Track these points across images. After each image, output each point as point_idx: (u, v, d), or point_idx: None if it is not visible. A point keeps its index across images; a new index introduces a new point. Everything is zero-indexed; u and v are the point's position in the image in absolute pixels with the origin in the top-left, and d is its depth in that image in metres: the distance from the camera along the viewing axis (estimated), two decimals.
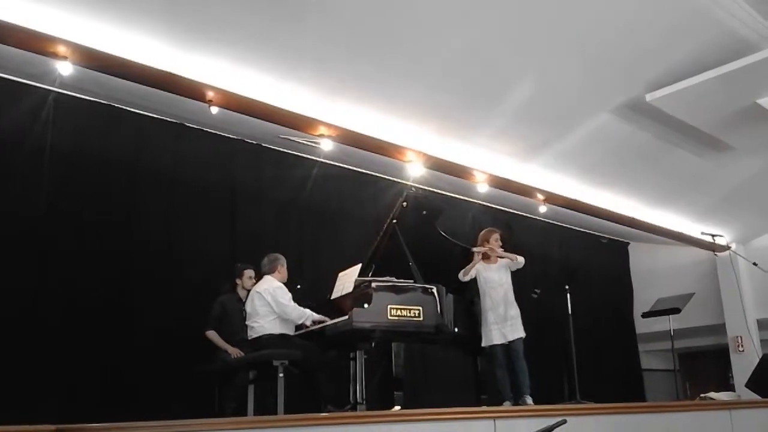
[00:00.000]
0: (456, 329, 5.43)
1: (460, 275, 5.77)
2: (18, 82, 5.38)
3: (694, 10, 5.12)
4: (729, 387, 9.43)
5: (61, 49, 4.63)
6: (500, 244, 5.89)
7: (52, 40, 4.55)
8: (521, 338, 5.67)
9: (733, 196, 8.67)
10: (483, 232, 6.04)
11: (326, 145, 6.16)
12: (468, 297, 5.81)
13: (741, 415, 5.65)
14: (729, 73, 5.54)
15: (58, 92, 5.49)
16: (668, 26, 5.30)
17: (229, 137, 6.65)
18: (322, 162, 7.03)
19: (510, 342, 5.63)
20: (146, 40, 4.84)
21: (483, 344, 5.69)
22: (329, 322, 5.23)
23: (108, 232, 5.77)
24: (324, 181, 7.22)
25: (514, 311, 5.72)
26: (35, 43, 4.57)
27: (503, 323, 5.64)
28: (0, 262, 5.07)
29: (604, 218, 9.00)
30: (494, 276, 5.79)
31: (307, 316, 5.28)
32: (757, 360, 7.75)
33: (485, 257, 5.83)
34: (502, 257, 5.82)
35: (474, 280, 5.81)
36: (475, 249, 5.80)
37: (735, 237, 9.95)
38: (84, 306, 5.43)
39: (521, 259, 5.85)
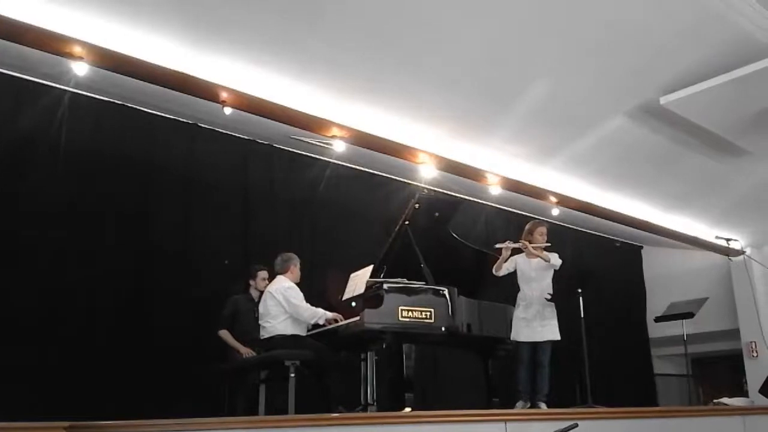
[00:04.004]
0: (470, 330, 5.41)
1: (493, 270, 5.64)
2: (34, 82, 5.42)
3: (709, 13, 5.08)
4: (742, 393, 9.34)
5: (77, 50, 4.67)
6: (545, 239, 5.67)
7: (68, 40, 4.58)
8: (550, 342, 5.53)
9: (749, 200, 8.59)
10: (529, 223, 5.84)
11: (338, 146, 6.17)
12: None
13: (754, 421, 5.61)
14: (744, 76, 5.48)
15: (74, 92, 5.53)
16: (683, 29, 5.26)
17: (241, 138, 6.68)
18: (334, 163, 7.04)
19: (538, 343, 5.52)
20: (160, 41, 4.87)
21: (511, 337, 5.61)
22: (342, 322, 5.24)
23: (121, 231, 5.80)
24: (336, 182, 7.23)
25: (549, 313, 5.58)
26: (51, 43, 4.60)
27: (533, 322, 5.52)
28: (16, 261, 5.12)
29: (618, 221, 8.94)
30: (532, 273, 5.65)
31: (320, 315, 5.28)
32: None
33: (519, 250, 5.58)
34: (538, 256, 5.58)
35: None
36: (500, 245, 5.60)
37: (750, 241, 9.85)
38: (97, 305, 5.47)
39: (555, 261, 5.60)
